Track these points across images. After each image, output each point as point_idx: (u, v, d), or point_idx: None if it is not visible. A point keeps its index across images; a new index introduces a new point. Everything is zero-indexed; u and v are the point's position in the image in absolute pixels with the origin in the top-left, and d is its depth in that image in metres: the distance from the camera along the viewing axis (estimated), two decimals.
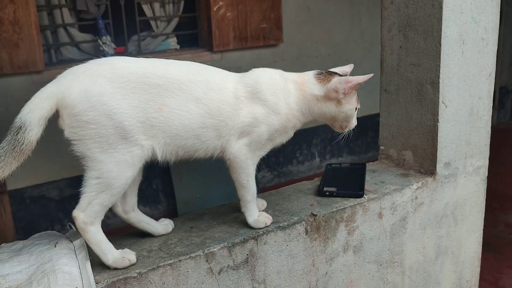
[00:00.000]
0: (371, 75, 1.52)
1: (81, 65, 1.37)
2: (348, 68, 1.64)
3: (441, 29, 1.75)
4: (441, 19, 1.73)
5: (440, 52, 1.77)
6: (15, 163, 1.29)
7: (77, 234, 1.47)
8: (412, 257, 1.91)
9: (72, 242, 1.45)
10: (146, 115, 1.35)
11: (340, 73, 1.58)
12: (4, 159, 1.28)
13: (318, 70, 1.58)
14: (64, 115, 1.32)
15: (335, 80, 1.51)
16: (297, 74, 1.57)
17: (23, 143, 1.28)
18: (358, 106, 1.58)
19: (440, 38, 1.75)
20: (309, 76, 1.55)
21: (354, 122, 1.61)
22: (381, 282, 1.86)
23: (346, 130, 1.61)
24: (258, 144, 1.50)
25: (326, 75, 1.55)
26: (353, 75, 1.55)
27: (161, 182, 4.13)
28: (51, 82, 1.36)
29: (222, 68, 1.54)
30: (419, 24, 1.82)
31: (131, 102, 1.33)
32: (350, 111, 1.55)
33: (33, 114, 1.29)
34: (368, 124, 4.98)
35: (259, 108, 1.47)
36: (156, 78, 1.36)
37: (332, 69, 1.60)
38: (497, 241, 3.42)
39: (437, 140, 1.84)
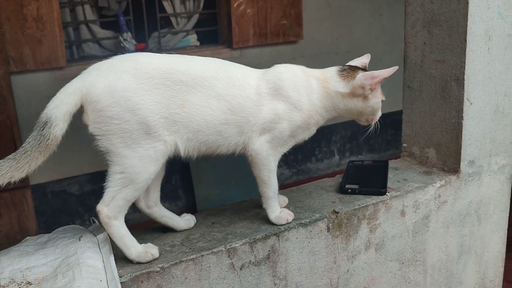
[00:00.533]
0: (396, 67, 1.51)
1: (105, 60, 1.38)
2: (366, 59, 1.63)
3: (466, 25, 1.72)
4: (467, 15, 1.71)
5: (465, 49, 1.74)
6: (41, 158, 1.31)
7: (100, 228, 1.49)
8: (434, 255, 1.89)
9: (95, 236, 1.46)
10: (169, 110, 1.36)
11: (360, 66, 1.58)
12: (31, 154, 1.30)
13: (341, 66, 1.56)
14: (88, 111, 1.33)
15: (361, 76, 1.50)
16: (319, 71, 1.56)
17: (48, 138, 1.30)
18: (383, 98, 1.57)
19: (466, 34, 1.73)
20: (332, 73, 1.54)
21: (379, 114, 1.60)
22: (403, 280, 1.84)
23: (373, 123, 1.60)
24: (280, 140, 1.49)
25: (349, 71, 1.53)
26: (372, 70, 1.54)
27: (180, 178, 4.15)
28: (76, 77, 1.37)
29: (241, 64, 1.54)
30: (444, 20, 1.79)
31: (154, 98, 1.34)
32: (376, 105, 1.54)
33: (59, 110, 1.31)
34: (388, 122, 4.92)
35: (281, 104, 1.47)
36: (179, 74, 1.37)
37: (351, 62, 1.60)
38: None
39: (461, 137, 1.82)
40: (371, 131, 1.61)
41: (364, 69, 1.57)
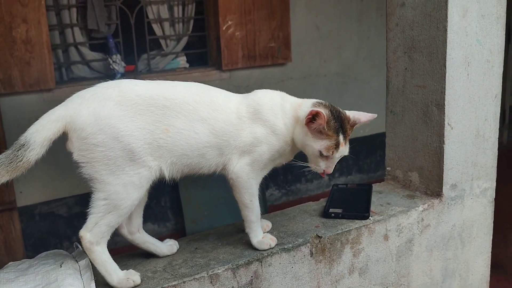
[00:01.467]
0: (323, 118, 1.42)
1: (89, 88, 1.39)
2: (364, 117, 1.54)
3: (446, 51, 1.75)
4: (446, 42, 1.74)
5: (445, 74, 1.77)
6: (6, 176, 1.30)
7: (83, 254, 1.48)
8: (418, 279, 1.90)
9: (77, 262, 1.46)
10: (153, 136, 1.37)
11: (350, 116, 1.51)
12: None
13: (324, 101, 1.52)
14: (73, 138, 1.34)
15: (312, 108, 1.46)
16: (299, 99, 1.56)
17: (21, 160, 1.30)
18: (328, 155, 1.47)
19: (445, 60, 1.76)
20: (308, 103, 1.52)
21: (321, 167, 1.50)
22: None
23: (313, 168, 1.53)
24: (260, 163, 1.51)
25: (322, 105, 1.49)
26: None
27: (169, 200, 4.14)
28: (60, 105, 1.38)
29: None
30: (424, 46, 1.83)
31: (138, 124, 1.36)
32: (310, 149, 1.49)
33: (39, 135, 1.31)
34: (377, 143, 4.98)
35: (260, 128, 1.49)
36: (163, 100, 1.39)
37: (348, 112, 1.53)
38: (508, 263, 3.38)
39: (443, 161, 1.84)
40: (308, 171, 1.54)
41: (349, 121, 1.51)
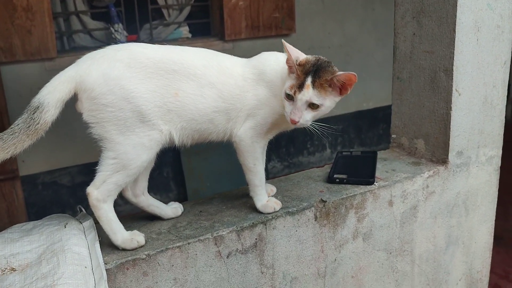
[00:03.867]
0: (291, 60, 1.37)
1: (99, 50, 1.39)
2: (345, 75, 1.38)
3: (455, 15, 1.72)
4: (456, 5, 1.71)
5: (454, 39, 1.74)
6: (28, 141, 1.31)
7: (86, 216, 1.48)
8: (422, 246, 1.90)
9: (81, 223, 1.46)
10: (163, 99, 1.37)
11: (336, 73, 1.38)
12: (18, 136, 1.30)
13: (320, 56, 1.44)
14: (83, 98, 1.34)
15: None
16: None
17: (38, 123, 1.30)
18: (290, 93, 1.37)
19: (455, 25, 1.73)
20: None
21: (287, 111, 1.40)
22: (390, 270, 1.84)
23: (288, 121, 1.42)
24: (263, 127, 1.49)
25: (313, 56, 1.42)
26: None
27: (172, 171, 4.14)
28: (70, 66, 1.38)
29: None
30: (433, 10, 1.79)
31: (148, 87, 1.36)
32: (279, 92, 1.43)
33: (52, 96, 1.32)
34: (380, 116, 4.96)
35: (263, 89, 1.47)
36: (172, 64, 1.39)
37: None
38: (508, 235, 3.39)
39: (449, 128, 1.82)
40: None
41: (332, 74, 1.38)
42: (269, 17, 4.22)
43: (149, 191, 1.55)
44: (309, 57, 1.42)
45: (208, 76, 1.42)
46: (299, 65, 1.38)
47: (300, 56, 1.42)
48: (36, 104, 1.31)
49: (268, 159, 4.47)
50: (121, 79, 1.33)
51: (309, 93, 1.36)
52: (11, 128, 1.31)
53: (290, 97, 1.39)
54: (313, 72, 1.37)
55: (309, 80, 1.37)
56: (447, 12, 1.74)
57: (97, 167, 1.38)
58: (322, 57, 1.43)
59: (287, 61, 1.40)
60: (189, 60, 1.41)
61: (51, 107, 1.31)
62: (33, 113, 1.30)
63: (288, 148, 4.68)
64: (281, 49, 1.49)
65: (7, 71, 3.39)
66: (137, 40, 4.00)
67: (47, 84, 1.34)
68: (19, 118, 1.32)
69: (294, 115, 1.38)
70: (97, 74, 1.33)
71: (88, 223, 1.44)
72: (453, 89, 1.79)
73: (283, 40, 1.41)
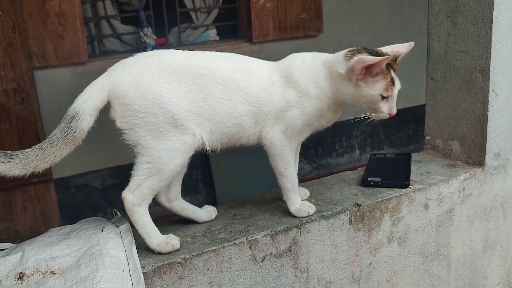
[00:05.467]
0: (387, 57, 1.37)
1: (130, 57, 1.42)
2: (403, 48, 1.49)
3: (492, 14, 1.68)
4: (493, 4, 1.67)
5: (491, 39, 1.70)
6: (66, 150, 1.34)
7: (122, 220, 1.50)
8: (458, 250, 1.86)
9: (118, 227, 1.47)
10: (193, 104, 1.39)
11: (388, 52, 1.45)
12: (57, 145, 1.33)
13: (354, 48, 1.46)
14: (115, 105, 1.37)
15: (355, 58, 1.39)
16: (331, 54, 1.51)
17: (75, 131, 1.33)
18: (390, 94, 1.42)
19: (491, 23, 1.69)
20: (340, 54, 1.47)
21: (384, 111, 1.45)
22: (426, 274, 1.81)
23: (375, 116, 1.47)
24: (294, 129, 1.48)
25: (356, 52, 1.44)
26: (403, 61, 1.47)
27: (201, 173, 4.16)
28: (103, 74, 1.41)
29: (261, 59, 1.54)
30: (468, 9, 1.75)
31: (178, 91, 1.37)
32: (371, 97, 1.42)
33: (87, 104, 1.35)
34: (410, 116, 4.88)
35: (291, 91, 1.46)
36: (200, 69, 1.40)
37: (385, 47, 1.48)
38: None
39: (486, 129, 1.78)
40: (368, 121, 1.48)
41: (388, 56, 1.41)
42: (297, 18, 4.20)
43: None
44: (366, 56, 1.40)
45: (235, 80, 1.42)
46: (390, 67, 1.42)
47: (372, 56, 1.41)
48: (72, 113, 1.34)
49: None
50: (152, 84, 1.35)
51: (399, 83, 1.45)
52: (49, 137, 1.34)
53: (384, 97, 1.43)
54: (390, 64, 1.43)
55: (393, 73, 1.43)
56: (483, 11, 1.71)
57: (130, 172, 1.40)
58: (366, 48, 1.46)
59: (362, 69, 1.38)
60: (216, 64, 1.43)
61: (87, 115, 1.34)
62: (70, 122, 1.33)
63: (316, 150, 4.65)
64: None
65: (40, 76, 3.46)
66: (166, 43, 4.04)
67: (82, 93, 1.37)
68: (57, 128, 1.34)
69: (394, 109, 1.46)
70: (129, 80, 1.35)
71: (125, 226, 1.46)
72: (490, 89, 1.75)
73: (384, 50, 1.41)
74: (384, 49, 1.49)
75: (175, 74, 1.37)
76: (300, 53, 1.54)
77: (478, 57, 1.76)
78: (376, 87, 1.42)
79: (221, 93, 1.41)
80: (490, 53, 1.72)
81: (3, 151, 1.30)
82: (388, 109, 1.45)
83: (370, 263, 1.67)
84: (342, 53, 1.48)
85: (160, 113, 1.35)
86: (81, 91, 1.41)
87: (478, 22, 1.73)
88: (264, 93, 1.45)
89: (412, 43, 1.49)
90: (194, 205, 1.60)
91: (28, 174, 1.32)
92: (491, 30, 1.69)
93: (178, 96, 1.36)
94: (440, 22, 1.87)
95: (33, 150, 1.32)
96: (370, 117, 1.48)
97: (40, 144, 1.33)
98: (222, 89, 1.41)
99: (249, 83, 1.44)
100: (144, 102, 1.34)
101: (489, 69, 1.73)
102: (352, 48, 1.47)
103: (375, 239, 1.66)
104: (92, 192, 3.85)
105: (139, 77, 1.35)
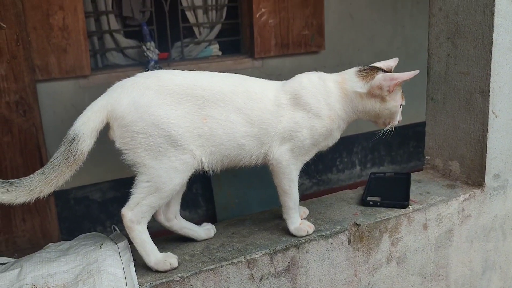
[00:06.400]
0: (417, 71, 1.49)
1: (129, 78, 1.42)
2: (393, 62, 1.60)
3: (492, 36, 1.70)
4: (493, 27, 1.68)
5: (490, 61, 1.72)
6: (68, 173, 1.35)
7: (121, 236, 1.50)
8: (457, 270, 1.86)
9: (116, 244, 1.47)
10: (193, 125, 1.39)
11: (384, 68, 1.56)
12: (59, 169, 1.33)
13: (361, 67, 1.55)
14: (114, 126, 1.37)
15: (379, 77, 1.49)
16: (337, 74, 1.57)
17: (76, 154, 1.34)
18: (403, 103, 1.55)
19: (491, 46, 1.70)
20: (350, 74, 1.54)
21: (398, 118, 1.57)
22: None
23: (389, 126, 1.58)
24: (301, 149, 1.49)
25: (369, 71, 1.52)
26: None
27: (201, 187, 4.16)
28: (102, 95, 1.41)
29: (263, 74, 1.56)
30: (468, 31, 1.77)
31: (177, 112, 1.37)
32: (394, 108, 1.53)
33: (86, 126, 1.35)
34: (410, 133, 4.89)
35: (300, 113, 1.47)
36: (200, 90, 1.40)
37: (376, 64, 1.58)
38: None
39: (486, 150, 1.79)
40: (385, 134, 1.59)
41: (386, 71, 1.55)
42: (299, 35, 4.23)
43: None
44: (384, 75, 1.50)
45: (235, 102, 1.43)
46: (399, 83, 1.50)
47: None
48: (72, 136, 1.34)
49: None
50: (150, 106, 1.35)
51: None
52: (51, 161, 1.34)
53: (402, 104, 1.55)
54: None
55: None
56: (483, 33, 1.72)
57: (130, 185, 1.40)
58: (372, 66, 1.57)
59: (394, 85, 1.48)
60: (217, 86, 1.43)
61: (87, 137, 1.35)
62: (70, 145, 1.33)
63: (316, 165, 4.65)
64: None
65: (42, 89, 3.48)
66: (169, 57, 4.06)
67: (81, 115, 1.37)
68: (57, 151, 1.35)
69: (400, 116, 1.58)
70: (127, 102, 1.36)
71: (123, 244, 1.46)
72: (490, 110, 1.76)
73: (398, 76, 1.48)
74: (378, 64, 1.57)
75: (174, 95, 1.38)
76: (305, 74, 1.56)
77: (478, 79, 1.77)
78: (397, 98, 1.52)
79: (221, 115, 1.41)
80: (490, 75, 1.73)
81: (7, 181, 1.31)
82: (399, 115, 1.57)
83: (368, 283, 1.67)
84: (351, 72, 1.54)
85: (159, 134, 1.35)
86: (83, 104, 1.42)
87: (478, 44, 1.74)
88: (268, 115, 1.46)
89: (397, 59, 1.58)
90: (194, 219, 1.60)
91: (34, 200, 1.31)
92: (491, 52, 1.71)
93: (177, 117, 1.37)
94: (440, 43, 1.88)
95: (36, 176, 1.33)
96: (383, 130, 1.60)
97: (42, 169, 1.34)
98: (222, 111, 1.42)
99: (250, 105, 1.44)
100: (143, 123, 1.34)
101: (488, 91, 1.74)
102: (361, 67, 1.55)
103: (374, 259, 1.66)
104: (92, 205, 3.85)
105: (138, 99, 1.36)
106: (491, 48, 1.70)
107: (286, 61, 4.25)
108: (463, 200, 1.80)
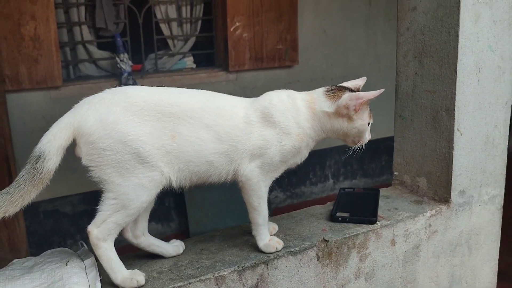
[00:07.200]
0: (382, 90, 1.51)
1: (96, 94, 1.40)
2: (361, 81, 1.62)
3: (457, 56, 1.74)
4: (457, 47, 1.73)
5: (455, 80, 1.76)
6: (34, 191, 1.32)
7: (88, 253, 1.48)
8: (425, 285, 1.88)
9: (83, 260, 1.45)
10: (161, 142, 1.38)
11: (352, 88, 1.57)
12: (24, 188, 1.30)
13: (328, 87, 1.57)
14: (81, 144, 1.35)
15: (345, 96, 1.50)
16: (306, 93, 1.58)
17: (42, 172, 1.31)
18: (371, 121, 1.56)
19: (456, 65, 1.75)
20: (318, 94, 1.55)
21: (367, 137, 1.59)
22: None
23: (358, 144, 1.59)
24: (271, 166, 1.50)
25: (336, 91, 1.54)
26: (369, 103, 1.55)
27: (173, 201, 4.14)
28: (68, 112, 1.39)
29: (237, 88, 1.57)
30: (434, 51, 1.82)
31: (145, 129, 1.36)
32: (362, 127, 1.54)
33: (52, 144, 1.33)
34: (382, 148, 4.96)
35: (270, 130, 1.48)
36: (169, 106, 1.39)
37: (344, 83, 1.60)
38: None
39: (452, 167, 1.83)
40: (355, 152, 1.60)
41: (354, 91, 1.56)
42: (273, 49, 4.28)
43: (150, 221, 1.55)
44: (351, 94, 1.52)
45: (204, 119, 1.42)
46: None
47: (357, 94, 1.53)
48: (37, 154, 1.32)
49: (271, 189, 4.45)
50: (117, 123, 1.34)
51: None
52: (16, 180, 1.31)
53: (370, 123, 1.57)
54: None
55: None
56: (448, 53, 1.77)
57: (98, 202, 1.38)
58: (340, 86, 1.59)
59: (360, 104, 1.49)
60: (186, 102, 1.42)
61: (53, 155, 1.32)
62: (36, 163, 1.31)
63: (290, 179, 4.68)
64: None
65: (12, 99, 3.42)
66: (142, 69, 4.05)
67: (47, 132, 1.35)
68: (23, 170, 1.32)
69: (369, 134, 1.59)
70: (94, 119, 1.34)
71: (90, 261, 1.44)
72: (455, 128, 1.80)
73: (361, 95, 1.50)
74: (346, 84, 1.60)
75: (142, 111, 1.36)
76: (275, 92, 1.57)
77: (444, 97, 1.81)
78: (364, 117, 1.54)
79: (190, 132, 1.41)
80: (455, 94, 1.77)
81: None
82: (368, 134, 1.59)
83: None
84: (319, 92, 1.56)
85: (126, 151, 1.34)
86: (54, 115, 1.40)
87: (443, 63, 1.79)
88: (237, 131, 1.46)
89: (382, 90, 1.56)
90: (166, 232, 1.60)
91: None
92: (456, 71, 1.75)
93: (145, 134, 1.36)
94: (408, 61, 1.93)
95: (1, 196, 1.29)
96: (353, 148, 1.60)
97: (7, 188, 1.30)
98: (192, 128, 1.41)
99: (219, 122, 1.44)
100: (110, 140, 1.33)
101: (454, 109, 1.78)
102: (329, 87, 1.56)
103: (342, 275, 1.67)
104: (62, 218, 3.79)
105: (105, 115, 1.34)
106: (456, 68, 1.75)
107: (260, 75, 4.28)
108: (430, 216, 1.83)
